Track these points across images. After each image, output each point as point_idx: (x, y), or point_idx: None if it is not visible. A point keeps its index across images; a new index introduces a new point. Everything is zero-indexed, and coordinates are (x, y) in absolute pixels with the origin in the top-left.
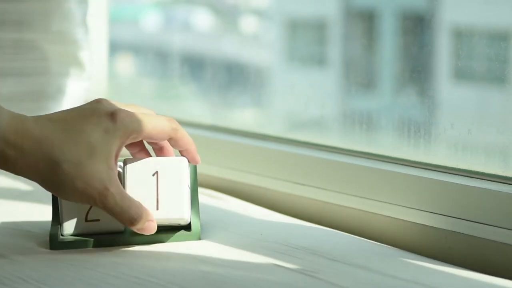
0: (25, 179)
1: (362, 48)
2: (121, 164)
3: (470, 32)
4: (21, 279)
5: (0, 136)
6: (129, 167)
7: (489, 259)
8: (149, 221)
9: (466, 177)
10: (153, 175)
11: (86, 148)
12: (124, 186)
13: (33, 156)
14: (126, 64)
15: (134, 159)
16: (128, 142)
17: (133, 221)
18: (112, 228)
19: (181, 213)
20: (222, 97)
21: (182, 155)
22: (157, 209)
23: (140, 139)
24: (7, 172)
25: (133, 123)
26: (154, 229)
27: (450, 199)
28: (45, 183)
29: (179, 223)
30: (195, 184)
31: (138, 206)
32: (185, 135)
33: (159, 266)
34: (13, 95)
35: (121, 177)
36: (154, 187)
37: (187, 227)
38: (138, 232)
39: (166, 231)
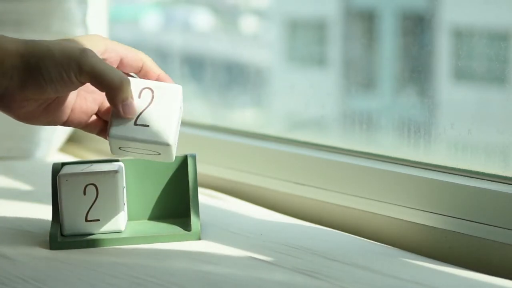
0: (25, 179)
1: (362, 48)
2: (120, 164)
3: (470, 32)
4: (21, 279)
5: None
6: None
7: (489, 259)
8: (132, 98)
9: (466, 177)
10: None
11: (60, 39)
12: None
13: (12, 44)
14: None
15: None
16: (107, 53)
17: (122, 79)
18: (112, 228)
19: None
20: (222, 97)
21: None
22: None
23: (115, 55)
24: (7, 172)
25: (107, 39)
26: (135, 111)
27: (450, 199)
28: (28, 67)
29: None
30: (195, 183)
31: (120, 71)
32: (152, 61)
33: (159, 266)
34: None
35: None
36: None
37: (187, 227)
38: (121, 106)
39: (166, 231)
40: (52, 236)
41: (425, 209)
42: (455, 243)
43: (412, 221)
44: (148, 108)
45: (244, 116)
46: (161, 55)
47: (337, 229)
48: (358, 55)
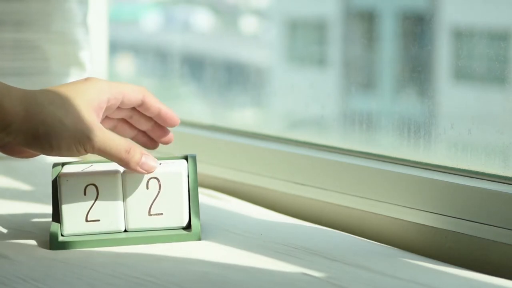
0: (25, 179)
1: (362, 48)
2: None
3: (470, 32)
4: (21, 279)
5: None
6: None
7: (489, 259)
8: (145, 154)
9: (466, 177)
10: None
11: (69, 93)
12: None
13: (21, 105)
14: (126, 64)
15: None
16: (110, 101)
17: (128, 149)
18: (112, 228)
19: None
20: (222, 97)
21: (161, 121)
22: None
23: (119, 96)
24: (7, 172)
25: (110, 83)
26: (155, 164)
27: (450, 199)
28: (36, 134)
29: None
30: (195, 183)
31: (128, 140)
32: (153, 96)
33: (159, 266)
34: None
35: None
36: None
37: (187, 227)
38: (139, 168)
39: (166, 231)
40: (52, 236)
41: (425, 209)
42: (455, 243)
43: (412, 221)
44: (158, 197)
45: (244, 116)
46: (161, 55)
47: (337, 229)
48: (358, 55)
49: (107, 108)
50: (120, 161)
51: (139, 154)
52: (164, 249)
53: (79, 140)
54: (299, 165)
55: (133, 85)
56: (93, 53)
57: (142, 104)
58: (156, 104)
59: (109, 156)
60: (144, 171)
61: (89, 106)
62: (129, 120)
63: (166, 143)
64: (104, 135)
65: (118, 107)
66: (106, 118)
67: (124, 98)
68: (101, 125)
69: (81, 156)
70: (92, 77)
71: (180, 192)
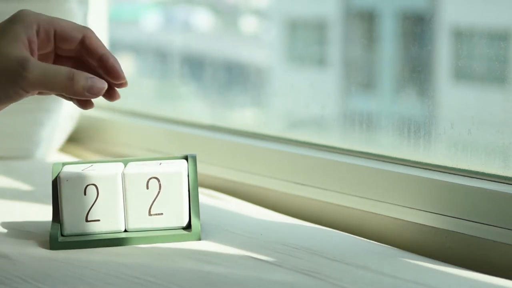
0: (25, 179)
1: (362, 48)
2: (121, 165)
3: (470, 32)
4: (21, 279)
5: None
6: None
7: (489, 259)
8: (91, 77)
9: (466, 177)
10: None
11: None
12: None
13: None
14: (126, 64)
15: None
16: (41, 33)
17: (71, 75)
18: (112, 228)
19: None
20: (222, 97)
21: (103, 70)
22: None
23: (50, 28)
24: (7, 172)
25: (40, 14)
26: (104, 86)
27: (450, 199)
28: None
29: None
30: (195, 183)
31: (67, 68)
32: (96, 36)
33: (159, 266)
34: None
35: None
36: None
37: (187, 227)
38: (87, 93)
39: (166, 231)
40: (52, 236)
41: (425, 209)
42: (455, 243)
43: (412, 221)
44: (158, 197)
45: (244, 116)
46: (161, 55)
47: (337, 229)
48: (358, 55)
49: (43, 44)
50: (64, 89)
51: (83, 78)
52: (164, 249)
53: (13, 81)
54: (299, 165)
55: (75, 23)
56: None
57: (83, 45)
58: (98, 48)
59: (51, 87)
60: (93, 96)
61: (17, 42)
62: (79, 56)
63: (120, 86)
64: (39, 67)
65: (59, 47)
66: (59, 58)
67: (57, 32)
68: (34, 58)
69: (80, 157)
70: (23, 10)
71: (180, 192)
